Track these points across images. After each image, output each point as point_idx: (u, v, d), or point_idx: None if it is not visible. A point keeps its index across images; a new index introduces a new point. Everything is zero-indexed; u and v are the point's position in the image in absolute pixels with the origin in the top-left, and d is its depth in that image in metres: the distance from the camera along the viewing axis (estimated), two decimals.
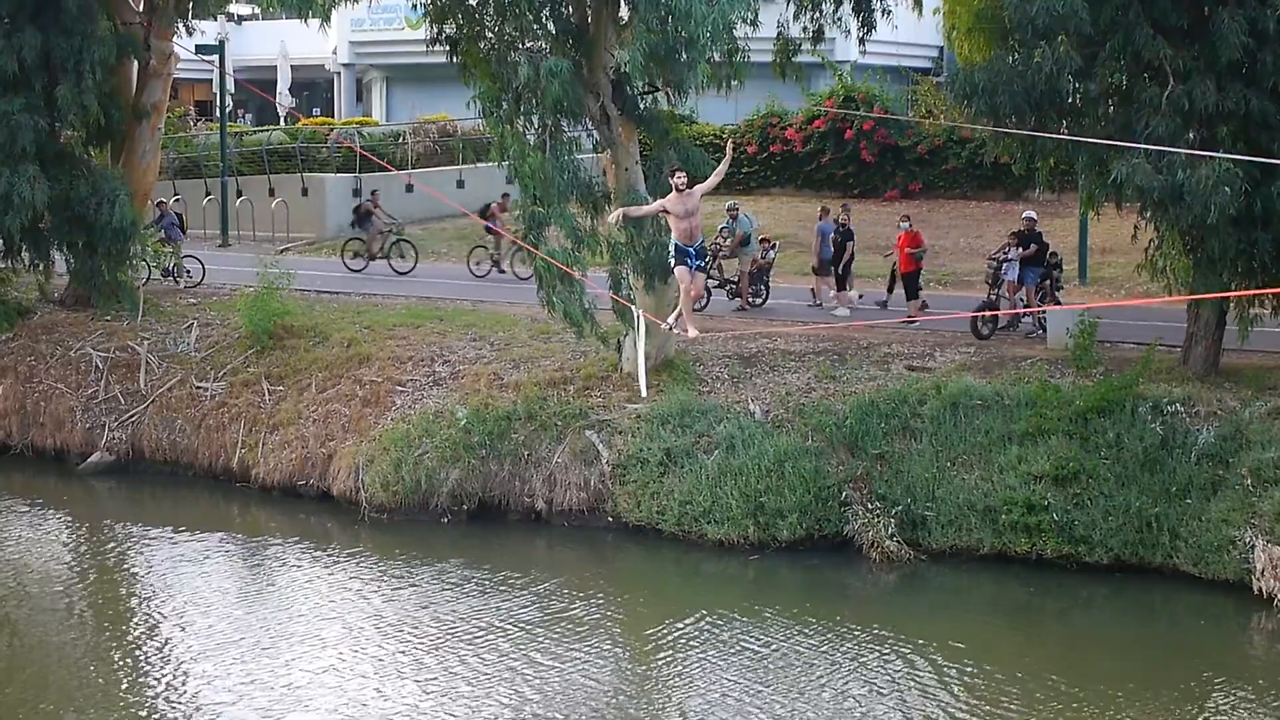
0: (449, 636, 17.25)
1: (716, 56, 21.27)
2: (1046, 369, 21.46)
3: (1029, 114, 20.27)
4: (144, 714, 15.24)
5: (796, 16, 23.59)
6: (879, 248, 29.47)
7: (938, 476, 19.94)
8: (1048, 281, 25.23)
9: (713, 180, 16.22)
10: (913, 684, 15.84)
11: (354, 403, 23.20)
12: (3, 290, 27.12)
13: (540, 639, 17.18)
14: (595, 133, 22.61)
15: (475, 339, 24.71)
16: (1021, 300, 25.07)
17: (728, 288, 27.75)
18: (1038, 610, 18.79)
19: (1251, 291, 19.75)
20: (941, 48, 40.12)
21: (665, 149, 22.02)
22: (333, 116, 53.33)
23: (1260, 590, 17.88)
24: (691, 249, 15.42)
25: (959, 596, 18.99)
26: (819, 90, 40.33)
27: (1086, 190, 21.50)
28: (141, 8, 27.74)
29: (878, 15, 23.50)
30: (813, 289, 28.19)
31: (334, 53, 54.48)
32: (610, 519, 21.14)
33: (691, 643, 17.19)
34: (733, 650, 16.88)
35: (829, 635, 17.35)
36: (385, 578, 19.55)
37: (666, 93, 22.15)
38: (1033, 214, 26.45)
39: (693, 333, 16.71)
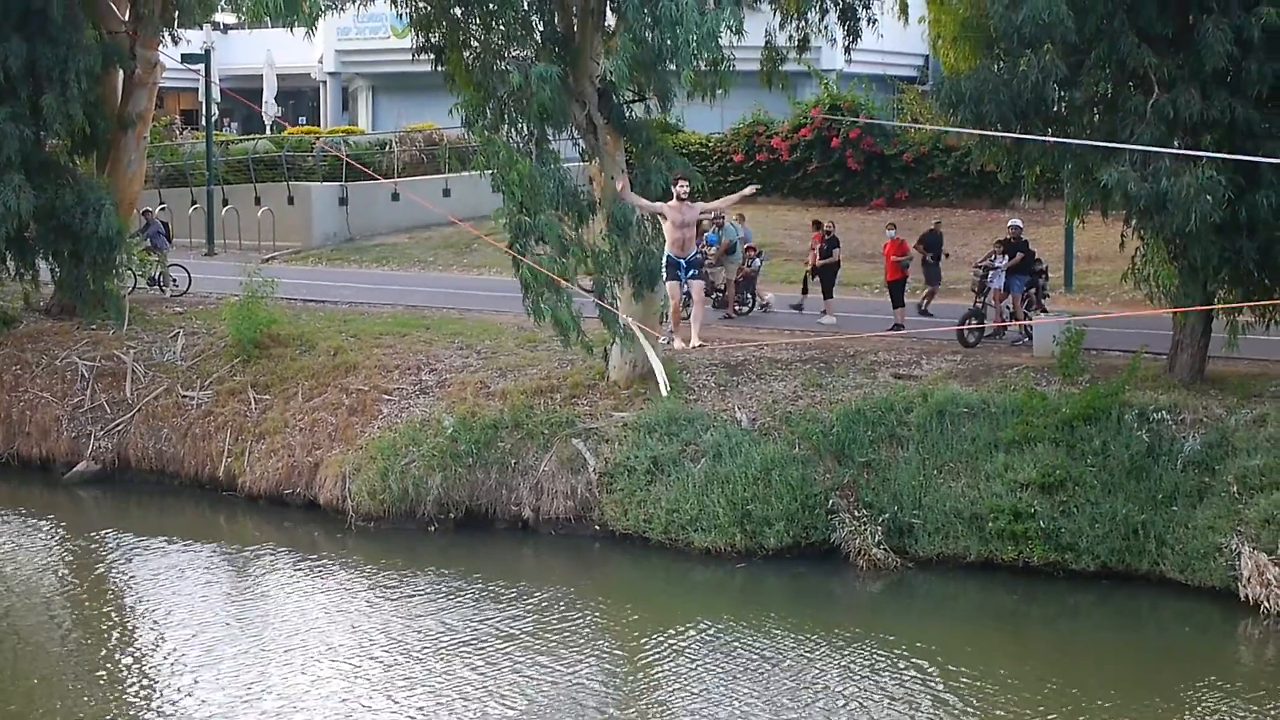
0: (436, 646, 17.20)
1: (702, 65, 21.30)
2: (1033, 377, 21.50)
3: (1015, 122, 20.31)
4: None
5: (783, 25, 23.68)
6: (863, 255, 29.52)
7: (924, 484, 19.95)
8: (1033, 290, 25.30)
9: (717, 204, 16.74)
10: (900, 691, 15.85)
11: (340, 411, 23.16)
12: None
13: (528, 648, 17.14)
14: (581, 141, 22.63)
15: (462, 347, 24.69)
16: (1008, 308, 25.11)
17: (714, 296, 27.73)
18: (1024, 617, 18.81)
19: (1234, 304, 19.89)
20: (927, 56, 40.20)
21: (650, 158, 22.02)
22: (319, 125, 53.33)
23: (1246, 597, 17.93)
24: (683, 260, 15.47)
25: (946, 604, 19.02)
26: (805, 99, 40.43)
27: (1072, 198, 21.58)
28: (127, 17, 27.67)
29: (863, 24, 23.58)
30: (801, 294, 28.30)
31: (320, 61, 54.55)
32: (597, 527, 21.13)
33: (679, 651, 17.17)
34: (720, 658, 16.87)
35: (816, 643, 17.34)
36: (372, 587, 19.50)
37: (648, 102, 22.17)
38: (1019, 223, 26.51)
39: (678, 344, 16.74)
